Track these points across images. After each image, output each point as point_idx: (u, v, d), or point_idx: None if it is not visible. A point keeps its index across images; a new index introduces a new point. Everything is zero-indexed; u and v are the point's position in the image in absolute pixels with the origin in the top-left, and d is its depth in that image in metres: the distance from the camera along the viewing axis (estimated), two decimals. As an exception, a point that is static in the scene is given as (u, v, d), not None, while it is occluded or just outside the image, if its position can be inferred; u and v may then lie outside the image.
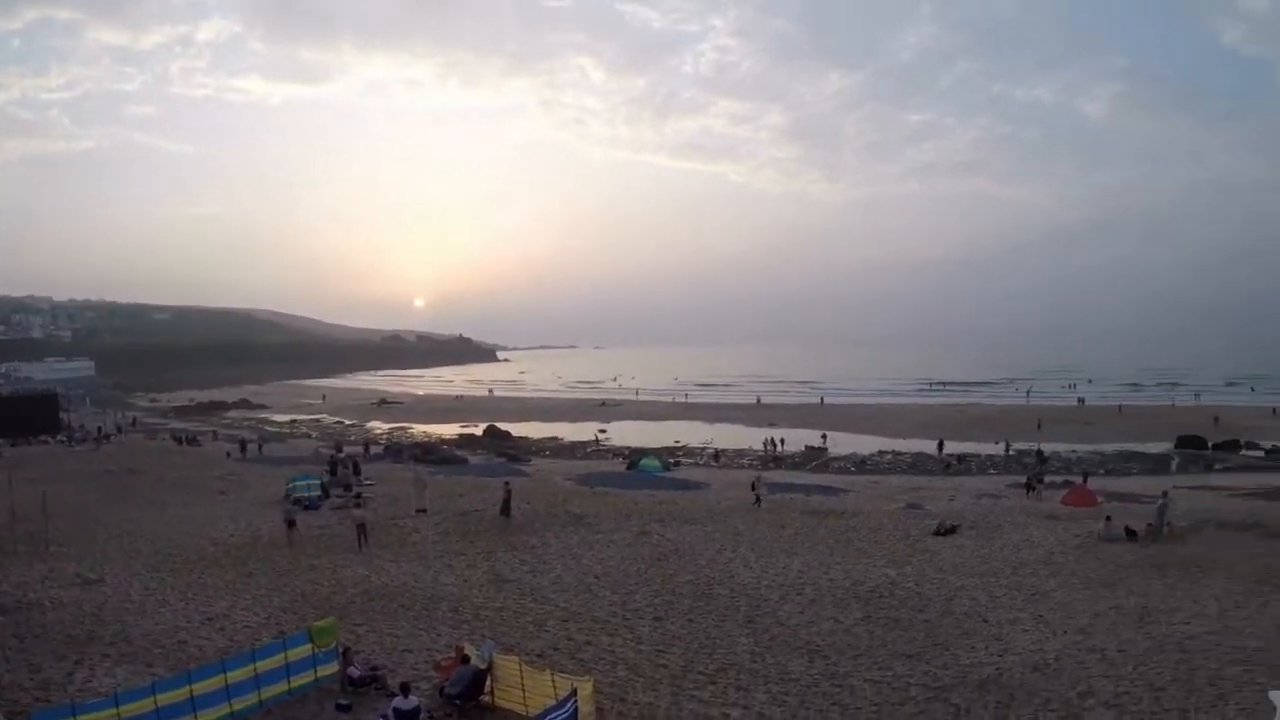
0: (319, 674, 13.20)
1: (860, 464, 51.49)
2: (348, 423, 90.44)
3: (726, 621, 17.32)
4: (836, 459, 53.73)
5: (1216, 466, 47.97)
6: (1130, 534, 24.26)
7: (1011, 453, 53.79)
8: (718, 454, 55.92)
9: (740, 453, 57.44)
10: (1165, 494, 26.69)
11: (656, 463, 47.05)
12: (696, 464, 51.63)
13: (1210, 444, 54.18)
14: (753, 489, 31.20)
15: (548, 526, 26.04)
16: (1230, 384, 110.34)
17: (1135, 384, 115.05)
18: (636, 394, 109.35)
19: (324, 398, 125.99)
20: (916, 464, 50.84)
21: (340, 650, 13.62)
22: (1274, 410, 71.76)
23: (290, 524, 25.16)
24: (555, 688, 11.31)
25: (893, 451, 56.53)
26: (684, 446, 60.22)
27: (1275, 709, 8.45)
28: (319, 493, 31.97)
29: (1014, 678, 14.34)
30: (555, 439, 66.95)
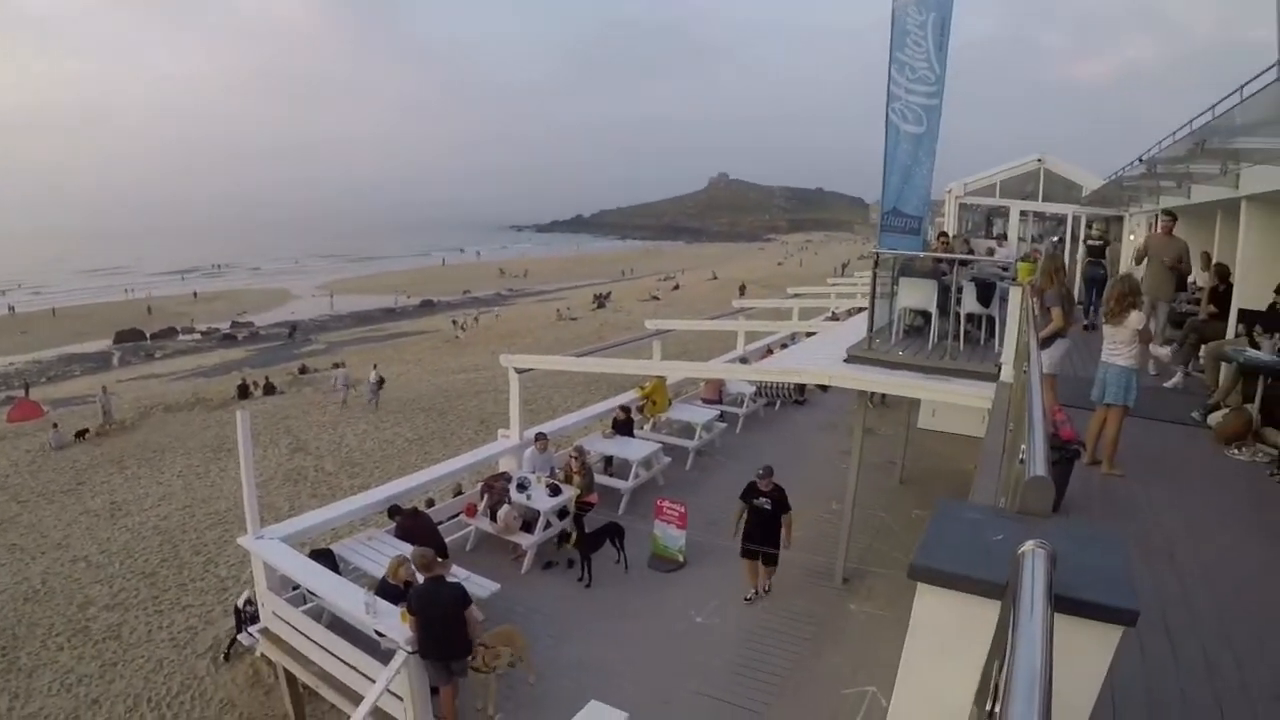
0: None
1: None
2: None
3: None
4: None
5: (157, 354, 49.59)
6: (80, 435, 23.28)
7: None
8: None
9: None
10: (105, 389, 26.32)
11: None
12: None
13: (149, 334, 55.60)
14: None
15: None
16: (162, 275, 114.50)
17: (69, 287, 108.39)
18: None
19: None
20: None
21: None
22: (194, 294, 77.66)
23: None
24: None
25: None
26: None
27: (248, 552, 8.99)
28: None
29: (7, 616, 12.84)
30: None
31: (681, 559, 10.22)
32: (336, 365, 30.79)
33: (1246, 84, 6.19)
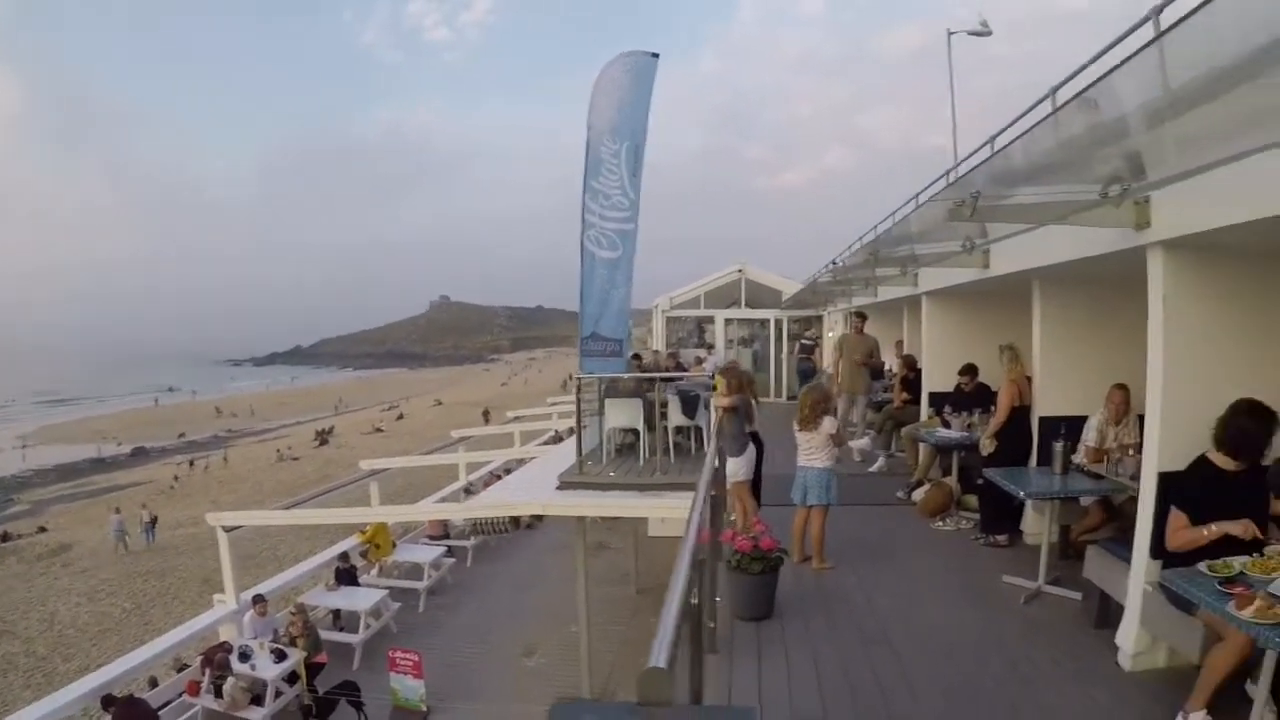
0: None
1: None
2: None
3: None
4: None
5: None
6: None
7: None
8: None
9: None
10: None
11: None
12: None
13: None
14: None
15: None
16: None
17: None
18: None
19: None
20: None
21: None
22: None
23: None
24: None
25: None
26: None
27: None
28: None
29: None
30: None
31: (425, 708, 9.77)
32: (116, 510, 28.08)
33: (920, 192, 6.94)
